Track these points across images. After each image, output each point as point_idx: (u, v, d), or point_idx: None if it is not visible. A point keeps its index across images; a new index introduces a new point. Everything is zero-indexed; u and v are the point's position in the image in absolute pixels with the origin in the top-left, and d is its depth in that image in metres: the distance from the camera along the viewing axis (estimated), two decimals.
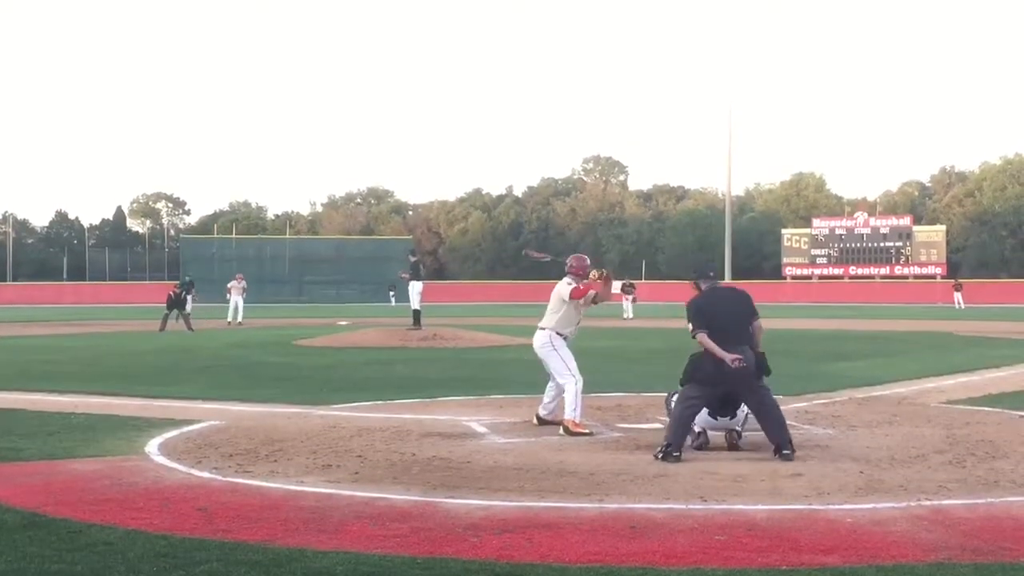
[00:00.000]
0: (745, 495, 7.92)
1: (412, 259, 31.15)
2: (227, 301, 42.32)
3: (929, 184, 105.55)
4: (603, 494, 7.96)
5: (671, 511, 7.38)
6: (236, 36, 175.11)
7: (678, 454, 9.41)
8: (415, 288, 29.77)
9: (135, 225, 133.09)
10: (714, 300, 9.96)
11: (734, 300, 10.04)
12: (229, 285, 42.45)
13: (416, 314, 29.68)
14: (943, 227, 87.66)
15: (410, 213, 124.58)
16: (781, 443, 9.52)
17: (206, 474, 8.91)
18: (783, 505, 7.59)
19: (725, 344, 9.56)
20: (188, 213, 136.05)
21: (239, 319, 40.63)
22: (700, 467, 9.08)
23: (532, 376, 17.98)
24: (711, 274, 10.29)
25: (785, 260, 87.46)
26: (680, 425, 9.62)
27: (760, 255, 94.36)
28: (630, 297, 45.46)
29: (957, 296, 60.88)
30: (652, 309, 47.54)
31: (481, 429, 11.56)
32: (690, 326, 9.80)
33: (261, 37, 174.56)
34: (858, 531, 6.81)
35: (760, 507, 7.49)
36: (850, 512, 7.33)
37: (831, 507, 7.51)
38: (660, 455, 9.43)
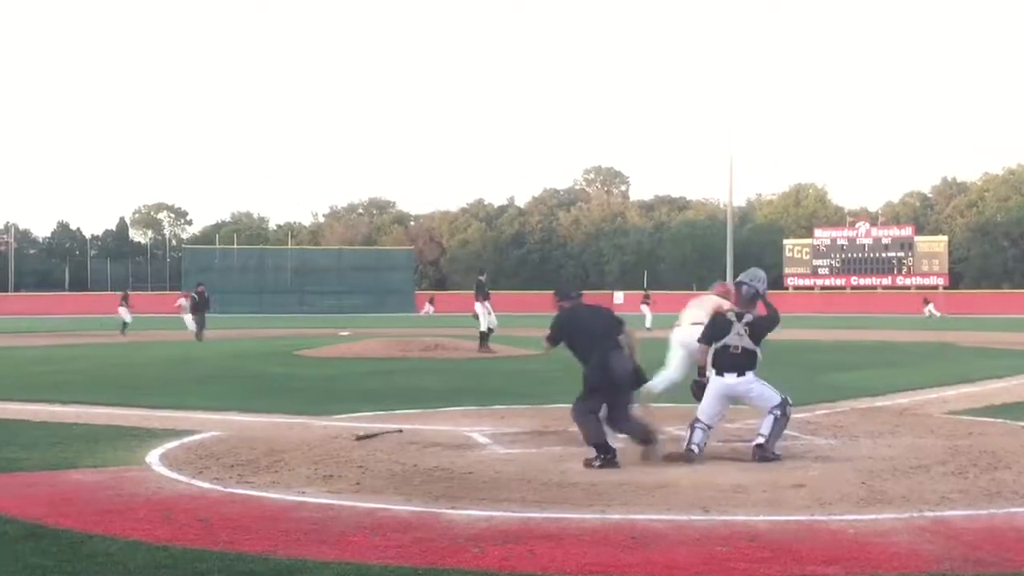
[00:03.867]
0: (747, 506, 7.92)
1: (480, 278, 29.13)
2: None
3: (931, 195, 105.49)
4: (605, 504, 7.95)
5: (673, 522, 7.37)
6: (238, 47, 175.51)
7: (611, 456, 9.68)
8: (479, 308, 27.93)
9: (137, 235, 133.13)
10: (576, 316, 10.56)
11: (595, 315, 10.59)
12: (178, 303, 41.51)
13: (483, 335, 27.81)
14: (945, 237, 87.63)
15: (412, 224, 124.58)
16: (646, 438, 10.05)
17: (207, 484, 8.90)
18: (785, 516, 7.58)
19: (591, 354, 10.13)
20: (190, 223, 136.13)
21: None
22: (701, 478, 9.08)
23: (533, 387, 18.02)
24: (574, 295, 10.93)
25: (787, 270, 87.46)
26: (592, 434, 9.89)
27: (762, 265, 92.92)
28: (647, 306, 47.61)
29: (928, 307, 63.20)
30: (655, 320, 47.66)
31: (483, 440, 11.55)
32: (548, 333, 10.56)
33: (263, 48, 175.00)
34: (860, 542, 6.81)
35: (762, 518, 7.48)
36: (852, 523, 7.33)
37: (833, 518, 7.50)
38: (598, 464, 9.62)
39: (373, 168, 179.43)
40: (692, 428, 10.30)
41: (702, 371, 10.86)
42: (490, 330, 27.67)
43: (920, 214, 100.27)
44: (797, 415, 13.54)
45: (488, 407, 14.88)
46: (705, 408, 10.40)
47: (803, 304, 78.54)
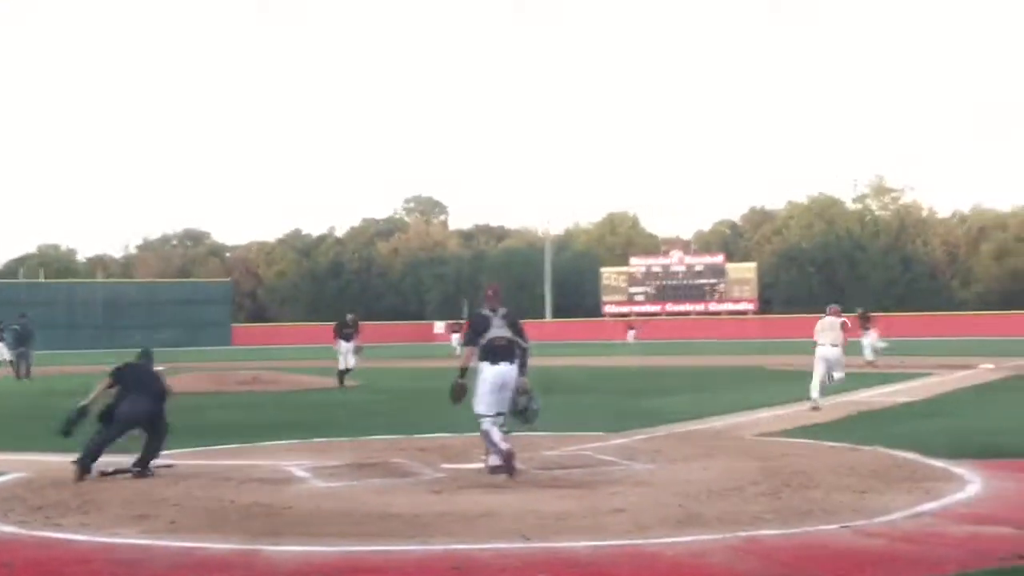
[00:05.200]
0: (568, 532, 7.97)
1: (348, 316, 28.92)
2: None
3: (740, 223, 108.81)
4: (427, 536, 7.90)
5: (495, 551, 7.37)
6: (42, 70, 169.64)
7: (86, 473, 10.99)
8: (341, 346, 27.32)
9: None
10: (130, 370, 12.18)
11: (145, 373, 12.21)
12: None
13: (340, 373, 27.04)
14: (754, 264, 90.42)
15: (228, 255, 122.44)
16: (145, 461, 11.34)
17: (11, 528, 8.51)
18: (605, 541, 7.65)
19: (139, 394, 11.67)
20: None
21: None
22: (523, 506, 9.11)
23: (353, 420, 17.86)
24: (143, 360, 12.54)
25: (604, 298, 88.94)
26: (88, 450, 11.13)
27: (580, 293, 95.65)
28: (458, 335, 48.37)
29: (630, 333, 69.92)
30: None
31: (303, 474, 11.37)
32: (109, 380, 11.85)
33: (65, 71, 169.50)
34: (678, 564, 6.92)
35: (583, 544, 7.54)
36: (670, 546, 7.45)
37: (652, 541, 7.61)
38: (78, 474, 10.94)
39: (187, 198, 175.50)
40: (487, 434, 10.93)
41: (463, 372, 11.26)
42: (348, 369, 27.05)
43: (730, 241, 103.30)
44: (617, 440, 13.81)
45: (308, 440, 14.67)
46: (487, 401, 10.99)
47: (620, 331, 79.87)
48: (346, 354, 27.20)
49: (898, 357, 33.31)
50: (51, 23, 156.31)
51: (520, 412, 11.24)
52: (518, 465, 10.85)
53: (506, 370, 11.04)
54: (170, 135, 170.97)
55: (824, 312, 20.21)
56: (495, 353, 11.05)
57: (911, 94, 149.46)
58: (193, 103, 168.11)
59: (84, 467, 11.08)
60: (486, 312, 11.34)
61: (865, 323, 34.64)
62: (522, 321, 11.55)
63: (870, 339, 33.77)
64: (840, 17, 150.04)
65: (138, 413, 11.53)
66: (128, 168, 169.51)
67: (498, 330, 11.14)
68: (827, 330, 19.36)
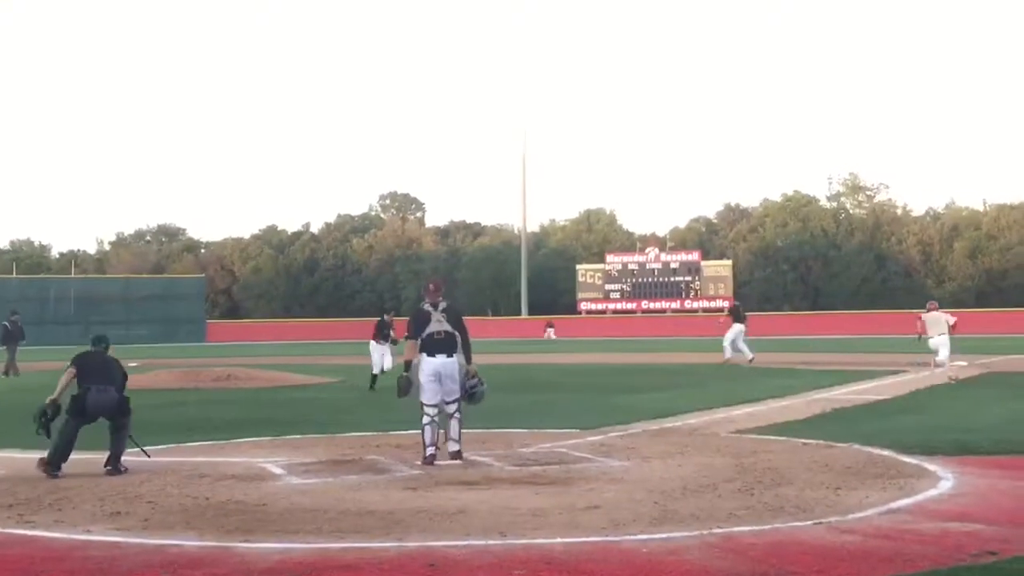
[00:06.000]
0: (544, 529, 7.99)
1: (384, 317, 26.90)
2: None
3: (715, 220, 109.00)
4: (403, 532, 7.90)
5: (471, 547, 7.38)
6: (13, 66, 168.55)
7: (57, 472, 11.02)
8: (376, 349, 25.42)
9: None
10: (90, 357, 12.07)
11: (104, 360, 12.11)
12: None
13: (373, 377, 24.65)
14: (729, 262, 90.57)
15: (203, 251, 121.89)
16: (117, 457, 11.43)
17: None
18: (581, 538, 7.68)
19: (105, 383, 11.70)
20: None
21: None
22: (499, 503, 9.13)
23: (328, 416, 17.83)
24: (101, 347, 12.35)
25: (580, 295, 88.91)
26: (58, 448, 11.20)
27: (556, 290, 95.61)
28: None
29: (549, 331, 74.97)
30: None
31: (277, 471, 11.35)
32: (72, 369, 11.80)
33: (39, 67, 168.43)
34: (653, 561, 6.94)
35: (558, 540, 7.56)
36: (645, 542, 7.47)
37: (627, 538, 7.63)
38: (49, 473, 10.98)
39: (162, 194, 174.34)
40: (424, 427, 11.71)
41: (408, 365, 11.95)
42: (382, 371, 25.01)
43: (706, 239, 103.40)
44: (592, 438, 13.84)
45: (282, 437, 14.64)
46: (428, 393, 11.81)
47: (596, 328, 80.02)
48: (383, 355, 25.39)
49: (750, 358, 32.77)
50: (22, 17, 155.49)
51: (471, 394, 12.06)
52: (462, 456, 11.78)
53: (442, 362, 11.82)
54: (145, 130, 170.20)
55: (925, 308, 25.73)
56: (433, 346, 11.83)
57: (885, 92, 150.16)
58: (168, 98, 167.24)
59: (55, 466, 11.13)
60: (426, 307, 12.08)
61: (735, 319, 34.78)
62: (465, 316, 12.43)
63: (731, 336, 33.92)
64: (815, 15, 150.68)
65: (107, 403, 11.63)
66: (103, 163, 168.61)
67: (437, 324, 11.88)
68: (934, 324, 24.84)
